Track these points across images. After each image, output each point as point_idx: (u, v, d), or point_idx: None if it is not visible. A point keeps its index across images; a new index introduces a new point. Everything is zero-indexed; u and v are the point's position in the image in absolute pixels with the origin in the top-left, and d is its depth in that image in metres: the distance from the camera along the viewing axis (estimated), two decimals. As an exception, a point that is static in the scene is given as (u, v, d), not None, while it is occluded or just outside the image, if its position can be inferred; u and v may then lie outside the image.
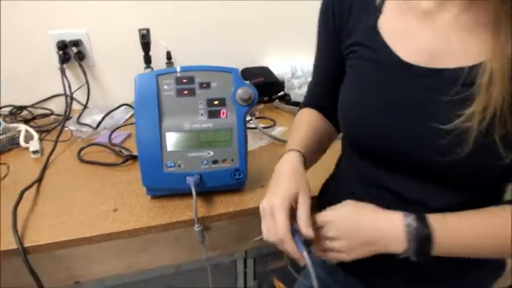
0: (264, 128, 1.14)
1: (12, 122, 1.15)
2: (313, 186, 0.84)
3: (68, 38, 1.23)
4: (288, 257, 0.60)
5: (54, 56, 1.24)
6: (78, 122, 1.17)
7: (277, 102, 1.36)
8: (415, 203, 0.61)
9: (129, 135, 1.13)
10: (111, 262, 0.83)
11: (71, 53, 1.25)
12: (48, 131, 1.15)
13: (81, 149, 1.02)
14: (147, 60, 1.23)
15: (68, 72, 1.25)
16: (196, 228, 0.76)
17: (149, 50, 1.22)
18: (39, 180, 0.89)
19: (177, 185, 0.78)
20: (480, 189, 0.60)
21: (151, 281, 0.92)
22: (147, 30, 1.20)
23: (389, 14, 0.63)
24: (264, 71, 1.42)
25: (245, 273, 1.03)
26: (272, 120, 1.21)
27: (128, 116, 1.26)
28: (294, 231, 0.59)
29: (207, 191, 0.83)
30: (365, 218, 0.59)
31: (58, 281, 0.80)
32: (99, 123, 1.15)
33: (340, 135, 0.79)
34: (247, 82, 0.79)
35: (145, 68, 1.24)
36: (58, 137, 1.07)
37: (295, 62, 1.46)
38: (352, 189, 0.69)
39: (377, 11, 0.63)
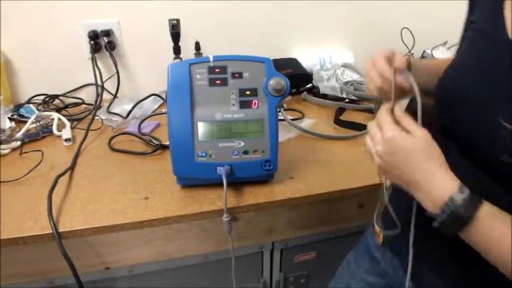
0: (292, 120, 1.13)
1: (45, 111, 1.17)
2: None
3: (99, 28, 1.25)
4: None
5: (85, 46, 1.26)
6: (108, 111, 1.18)
7: (305, 94, 1.35)
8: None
9: (158, 125, 1.14)
10: (139, 250, 0.84)
11: (102, 42, 1.26)
12: (80, 120, 1.17)
13: (112, 138, 1.03)
14: (177, 50, 1.23)
15: (98, 62, 1.27)
16: (225, 218, 0.76)
17: (179, 40, 1.22)
18: (72, 167, 0.91)
19: (207, 175, 0.78)
20: None
21: (179, 270, 0.93)
22: (177, 20, 1.20)
23: None
24: (293, 63, 1.40)
25: (271, 265, 1.03)
26: (300, 112, 1.19)
27: (156, 106, 1.27)
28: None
29: (237, 182, 0.83)
30: (423, 164, 0.54)
31: (89, 266, 0.81)
32: (129, 112, 1.16)
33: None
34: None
35: (175, 58, 1.24)
36: (89, 125, 1.09)
37: (323, 54, 1.44)
38: None
39: None
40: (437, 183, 0.53)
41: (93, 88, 1.26)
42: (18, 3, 1.17)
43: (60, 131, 1.06)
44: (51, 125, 1.09)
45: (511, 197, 0.55)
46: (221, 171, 0.76)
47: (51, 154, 0.96)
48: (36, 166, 0.88)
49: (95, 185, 0.85)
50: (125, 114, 1.16)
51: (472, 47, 0.63)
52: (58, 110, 1.20)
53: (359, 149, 0.96)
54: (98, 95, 1.21)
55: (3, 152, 0.97)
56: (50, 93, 1.28)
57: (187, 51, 1.28)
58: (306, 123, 1.15)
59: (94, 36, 1.24)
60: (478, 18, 0.64)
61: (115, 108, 1.20)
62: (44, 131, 1.07)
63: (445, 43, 1.48)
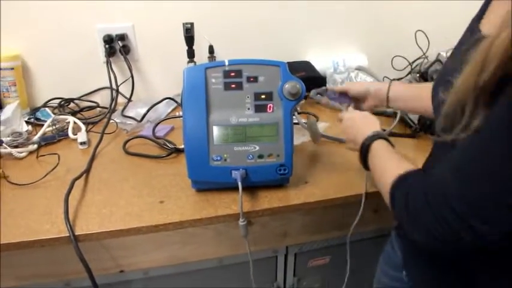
0: (305, 123, 1.12)
1: (61, 114, 1.18)
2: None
3: (114, 32, 1.26)
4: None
5: (100, 50, 1.27)
6: (123, 115, 1.19)
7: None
8: None
9: (172, 129, 1.14)
10: (154, 253, 0.84)
11: (116, 46, 1.28)
12: (95, 123, 1.18)
13: (127, 141, 1.04)
14: (191, 54, 1.24)
15: (113, 66, 1.28)
16: (241, 222, 0.75)
17: (193, 44, 1.23)
18: (87, 170, 0.92)
19: (223, 179, 0.78)
20: None
21: (193, 274, 0.93)
22: (191, 24, 1.21)
23: None
24: (306, 66, 1.40)
25: (285, 269, 1.02)
26: (314, 115, 1.19)
27: (170, 109, 1.28)
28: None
29: (251, 186, 0.82)
30: (360, 125, 0.76)
31: (104, 269, 0.82)
32: (143, 116, 1.17)
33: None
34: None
35: (189, 62, 1.25)
36: (104, 129, 1.09)
37: (337, 57, 1.43)
38: None
39: None
40: (365, 133, 0.72)
41: (108, 92, 1.27)
42: (34, 7, 1.19)
43: (76, 135, 1.07)
44: (67, 128, 1.10)
45: None
46: (236, 175, 0.76)
47: (67, 157, 0.97)
48: (52, 169, 0.88)
49: (110, 189, 0.85)
50: (139, 118, 1.16)
51: (458, 46, 0.65)
52: (73, 113, 1.22)
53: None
54: (112, 99, 1.22)
55: (20, 155, 0.98)
56: (66, 96, 1.30)
57: (201, 55, 1.29)
58: (320, 126, 1.14)
59: (109, 40, 1.26)
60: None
61: (129, 112, 1.21)
62: (60, 134, 1.09)
63: (460, 45, 1.46)
